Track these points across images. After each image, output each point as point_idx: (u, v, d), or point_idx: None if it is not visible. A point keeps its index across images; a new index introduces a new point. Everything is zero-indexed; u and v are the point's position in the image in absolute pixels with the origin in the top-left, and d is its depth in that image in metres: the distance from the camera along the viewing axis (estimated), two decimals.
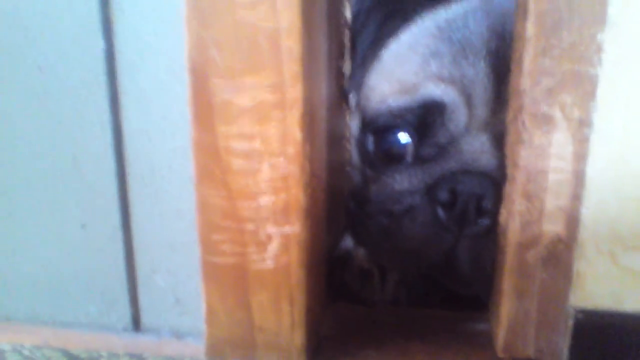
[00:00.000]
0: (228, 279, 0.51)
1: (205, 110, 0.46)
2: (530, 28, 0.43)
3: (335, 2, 0.56)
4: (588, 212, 0.45)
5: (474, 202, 0.57)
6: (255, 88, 0.45)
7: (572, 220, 0.46)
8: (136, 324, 0.59)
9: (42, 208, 0.56)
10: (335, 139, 0.61)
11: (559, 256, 0.47)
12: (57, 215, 0.56)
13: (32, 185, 0.55)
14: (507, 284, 0.49)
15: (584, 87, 0.43)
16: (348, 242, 0.68)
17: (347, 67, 0.62)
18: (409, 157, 0.63)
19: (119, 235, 0.56)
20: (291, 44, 0.43)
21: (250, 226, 0.49)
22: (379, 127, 0.64)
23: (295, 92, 0.44)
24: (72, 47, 0.50)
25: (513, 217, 0.47)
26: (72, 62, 0.51)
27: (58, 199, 0.55)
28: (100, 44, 0.50)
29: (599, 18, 0.42)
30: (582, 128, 0.44)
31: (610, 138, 0.44)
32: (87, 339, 0.59)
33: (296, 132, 0.46)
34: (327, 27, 0.51)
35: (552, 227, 0.46)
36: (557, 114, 0.44)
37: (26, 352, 0.58)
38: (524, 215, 0.47)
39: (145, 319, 0.58)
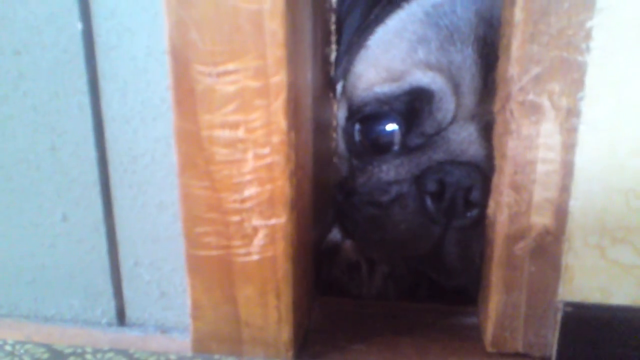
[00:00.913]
0: (213, 272, 0.50)
1: (187, 97, 0.45)
2: (518, 13, 0.42)
3: None
4: (576, 203, 0.45)
5: (462, 194, 0.56)
6: (238, 74, 0.44)
7: (561, 212, 0.45)
8: (121, 318, 0.58)
9: (21, 198, 0.54)
10: (321, 129, 0.60)
11: (547, 249, 0.46)
12: (37, 205, 0.54)
13: (10, 174, 0.54)
14: (495, 277, 0.48)
15: (572, 75, 0.42)
16: (336, 234, 0.68)
17: (332, 54, 0.61)
18: (396, 147, 0.62)
19: (101, 227, 0.55)
20: (275, 27, 0.42)
21: (235, 218, 0.48)
22: (365, 116, 0.63)
23: (279, 78, 0.43)
24: (49, 30, 0.49)
25: (501, 208, 0.46)
26: (48, 45, 0.49)
27: (37, 189, 0.54)
28: (77, 25, 0.48)
29: (588, 4, 0.41)
30: (570, 117, 0.43)
31: (599, 128, 0.43)
32: (71, 334, 0.58)
33: (281, 121, 0.45)
34: (312, 11, 0.50)
35: (541, 219, 0.45)
36: (546, 102, 0.43)
37: (8, 348, 0.57)
38: (512, 207, 0.46)
39: (130, 313, 0.57)
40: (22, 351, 0.56)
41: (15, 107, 0.51)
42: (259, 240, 0.48)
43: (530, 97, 0.43)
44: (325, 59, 0.60)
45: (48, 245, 0.56)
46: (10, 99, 0.51)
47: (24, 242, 0.56)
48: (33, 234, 0.56)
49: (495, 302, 0.49)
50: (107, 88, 0.50)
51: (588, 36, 0.42)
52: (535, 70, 0.43)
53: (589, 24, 0.41)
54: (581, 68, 0.42)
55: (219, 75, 0.44)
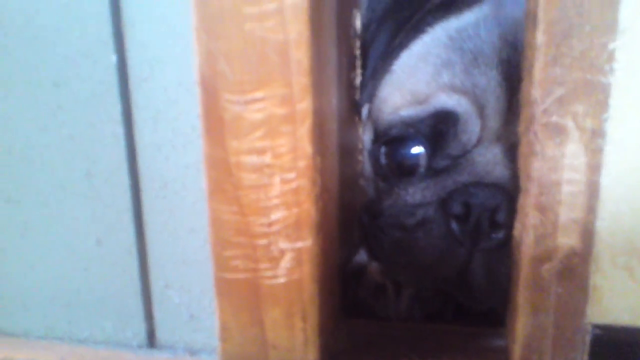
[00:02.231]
0: (241, 295, 0.50)
1: (216, 125, 0.46)
2: (540, 36, 0.42)
3: (345, 12, 0.57)
4: (603, 224, 0.44)
5: (487, 216, 0.56)
6: (265, 102, 0.45)
7: (587, 233, 0.45)
8: (151, 340, 0.59)
9: (56, 223, 0.56)
10: (347, 152, 0.61)
11: (575, 270, 0.46)
12: (72, 230, 0.56)
13: (47, 200, 0.56)
14: (522, 298, 0.48)
15: (596, 96, 0.43)
16: (362, 256, 0.68)
17: (357, 79, 0.62)
18: (421, 169, 0.63)
19: (133, 251, 0.56)
20: (300, 56, 0.43)
21: (262, 242, 0.49)
22: (391, 139, 0.64)
23: (305, 105, 0.45)
24: (85, 62, 0.51)
25: (527, 230, 0.46)
26: (85, 77, 0.52)
27: (72, 214, 0.56)
28: (112, 58, 0.51)
29: (610, 26, 0.41)
30: (595, 138, 0.43)
31: (624, 148, 0.43)
32: (103, 356, 0.59)
33: (307, 146, 0.46)
34: (336, 38, 0.52)
35: (567, 240, 0.45)
36: (570, 124, 0.43)
37: None
38: (538, 229, 0.46)
39: (160, 335, 0.59)
40: None
41: (53, 136, 0.54)
42: (285, 262, 0.49)
43: (554, 118, 0.44)
44: (350, 83, 0.61)
45: (82, 269, 0.58)
46: (48, 129, 0.54)
47: (59, 266, 0.58)
48: (68, 258, 0.57)
49: (522, 324, 0.48)
50: (139, 117, 0.52)
51: (611, 58, 0.42)
52: (558, 92, 0.43)
53: (611, 46, 0.42)
54: (605, 89, 0.43)
55: (246, 103, 0.45)
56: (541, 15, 0.42)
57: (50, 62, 0.52)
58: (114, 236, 0.56)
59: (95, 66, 0.52)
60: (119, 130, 0.53)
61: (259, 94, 0.45)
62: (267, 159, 0.46)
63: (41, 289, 0.59)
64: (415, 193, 0.62)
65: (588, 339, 0.47)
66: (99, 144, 0.54)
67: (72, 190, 0.55)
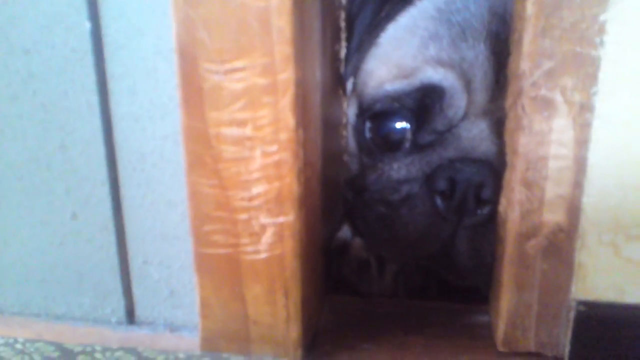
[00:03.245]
0: (221, 271, 0.49)
1: (194, 95, 0.45)
2: (529, 7, 0.41)
3: None
4: (589, 200, 0.44)
5: (473, 191, 0.56)
6: (246, 71, 0.43)
7: (573, 209, 0.44)
8: (130, 316, 0.58)
9: (30, 197, 0.55)
10: (331, 126, 0.60)
11: (560, 246, 0.45)
12: (46, 204, 0.55)
13: (20, 173, 0.54)
14: (507, 275, 0.47)
15: (586, 69, 0.42)
16: (345, 231, 0.67)
17: (342, 51, 0.60)
18: (406, 144, 0.62)
19: (110, 225, 0.55)
20: (282, 24, 0.42)
21: (243, 216, 0.47)
22: (376, 113, 0.63)
23: (287, 75, 0.43)
24: (58, 29, 0.49)
25: (512, 206, 0.46)
26: (57, 44, 0.50)
27: (46, 187, 0.54)
28: (86, 24, 0.49)
29: None
30: (583, 113, 0.42)
31: (613, 123, 0.42)
32: (81, 332, 0.58)
33: (289, 118, 0.44)
34: (320, 8, 0.50)
35: (553, 216, 0.45)
36: (558, 97, 0.42)
37: (19, 346, 0.57)
38: (523, 204, 0.45)
39: (140, 311, 0.57)
40: (32, 349, 0.56)
41: (25, 106, 0.52)
42: (267, 238, 0.48)
43: (543, 92, 0.43)
44: (334, 56, 0.60)
45: (58, 244, 0.56)
46: (20, 98, 0.52)
47: (34, 241, 0.56)
48: (43, 232, 0.56)
49: (506, 300, 0.48)
50: (115, 87, 0.50)
51: (602, 30, 0.41)
52: (547, 64, 0.42)
53: (602, 18, 0.41)
54: (595, 62, 0.42)
55: (226, 72, 0.43)
56: None
57: (21, 28, 0.50)
58: (90, 210, 0.54)
59: (69, 33, 0.49)
60: (94, 100, 0.51)
61: (239, 63, 0.43)
62: (248, 131, 0.45)
63: (15, 265, 0.57)
64: (400, 169, 0.61)
65: (572, 315, 0.47)
66: (74, 114, 0.52)
67: (46, 163, 0.53)
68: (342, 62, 0.63)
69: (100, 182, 0.53)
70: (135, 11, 0.48)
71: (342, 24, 0.62)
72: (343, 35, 0.62)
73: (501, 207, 0.49)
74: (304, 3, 0.44)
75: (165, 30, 0.48)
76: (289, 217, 0.47)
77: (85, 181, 0.53)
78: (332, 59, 0.59)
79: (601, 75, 0.42)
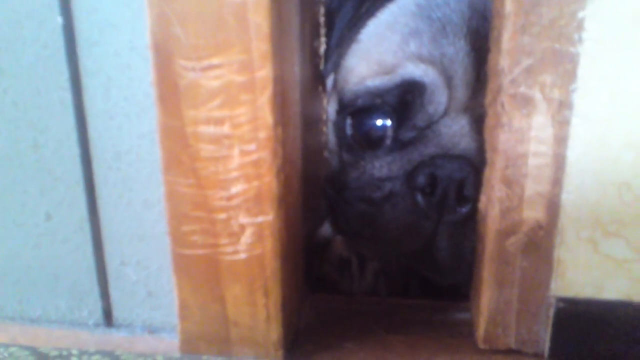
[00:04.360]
0: (200, 271, 0.49)
1: (170, 92, 0.44)
2: (508, 4, 0.41)
3: None
4: (569, 197, 0.44)
5: (454, 188, 0.55)
6: (223, 68, 0.42)
7: (553, 206, 0.44)
8: (108, 318, 0.57)
9: (3, 198, 0.53)
10: (310, 123, 0.59)
11: (540, 243, 0.45)
12: (20, 204, 0.53)
13: None
14: (487, 272, 0.47)
15: (565, 66, 0.42)
16: (326, 229, 0.67)
17: (322, 47, 0.60)
18: (387, 141, 0.61)
19: (86, 226, 0.54)
20: (259, 20, 0.41)
21: (221, 216, 0.47)
22: (357, 110, 0.62)
23: (265, 72, 0.42)
24: (29, 24, 0.48)
25: (492, 203, 0.45)
26: (29, 40, 0.48)
27: (19, 187, 0.53)
28: (58, 20, 0.47)
29: None
30: (562, 110, 0.42)
31: (592, 120, 0.42)
32: (57, 335, 0.57)
33: (267, 116, 0.43)
34: (299, 4, 0.49)
35: (532, 213, 0.45)
36: (537, 95, 0.42)
37: None
38: (503, 202, 0.45)
39: (117, 313, 0.56)
40: (6, 354, 0.54)
41: None
42: (246, 238, 0.47)
43: (522, 89, 0.42)
44: (314, 52, 0.59)
45: (32, 245, 0.55)
46: None
47: (7, 243, 0.55)
48: (16, 233, 0.54)
49: (487, 298, 0.48)
50: (89, 84, 0.49)
51: (580, 27, 0.41)
52: (526, 62, 0.42)
53: (581, 14, 0.40)
54: (573, 59, 0.42)
55: (203, 69, 0.43)
56: None
57: None
58: (65, 210, 0.53)
59: (40, 29, 0.48)
60: (67, 97, 0.49)
61: (215, 60, 0.42)
62: (226, 129, 0.44)
63: None
64: (382, 166, 0.61)
65: (552, 311, 0.47)
66: (46, 112, 0.50)
67: (19, 162, 0.52)
68: (322, 59, 0.62)
69: (74, 182, 0.52)
70: (108, 6, 0.47)
71: (322, 20, 0.61)
72: (322, 31, 0.61)
73: (481, 205, 0.49)
74: None
75: (139, 26, 0.47)
76: (268, 217, 0.46)
77: (60, 181, 0.52)
78: (312, 55, 0.58)
79: (580, 72, 0.42)
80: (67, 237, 0.54)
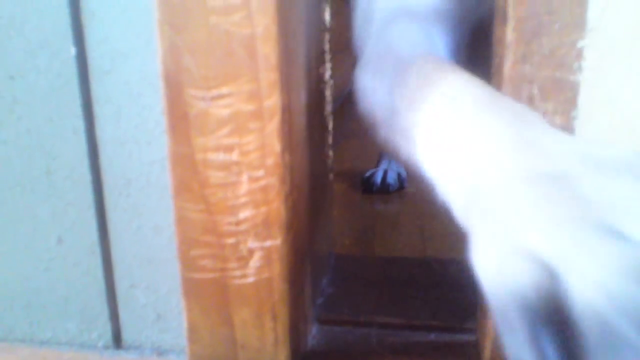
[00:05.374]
0: (209, 295, 0.49)
1: (180, 121, 0.45)
2: (510, 33, 0.42)
3: (314, 6, 0.56)
4: None
5: None
6: (232, 97, 0.44)
7: None
8: (117, 341, 0.57)
9: (15, 222, 0.54)
10: (316, 148, 0.60)
11: None
12: (32, 229, 0.54)
13: (5, 198, 0.54)
14: None
15: (565, 94, 0.43)
16: None
17: (327, 73, 0.61)
18: None
19: (96, 249, 0.55)
20: (267, 50, 0.42)
21: (230, 241, 0.48)
22: None
23: (272, 101, 0.43)
24: (43, 54, 0.49)
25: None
26: (43, 69, 0.50)
27: (32, 212, 0.54)
28: (71, 50, 0.49)
29: (579, 24, 0.41)
30: None
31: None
32: (67, 358, 0.57)
33: (275, 143, 0.45)
34: (305, 32, 0.50)
35: None
36: None
37: None
38: None
39: (127, 336, 0.57)
40: None
41: (10, 131, 0.52)
42: (254, 262, 0.48)
43: None
44: (319, 78, 0.60)
45: (43, 269, 0.56)
46: (4, 123, 0.51)
47: (19, 266, 0.56)
48: (28, 257, 0.55)
49: (493, 319, 0.49)
50: (101, 112, 0.50)
51: (579, 56, 0.42)
52: (528, 89, 0.43)
53: (580, 44, 0.42)
54: (574, 87, 0.43)
55: (212, 99, 0.44)
56: (511, 12, 0.42)
57: (6, 54, 0.50)
58: (76, 234, 0.54)
59: (54, 58, 0.49)
60: (80, 125, 0.51)
61: (225, 90, 0.43)
62: (235, 156, 0.45)
63: (0, 290, 0.57)
64: None
65: None
66: (59, 140, 0.52)
67: (32, 188, 0.53)
68: (327, 84, 0.63)
69: (86, 207, 0.53)
70: (120, 36, 0.48)
71: (327, 46, 0.62)
72: (328, 57, 0.63)
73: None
74: (289, 29, 0.45)
75: (150, 56, 0.48)
76: (276, 241, 0.47)
77: (71, 206, 0.53)
78: (317, 81, 0.59)
79: (580, 100, 0.43)
80: (78, 260, 0.55)
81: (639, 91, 0.42)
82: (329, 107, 0.65)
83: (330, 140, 0.67)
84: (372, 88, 0.52)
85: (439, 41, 0.56)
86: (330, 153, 0.67)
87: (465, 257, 0.56)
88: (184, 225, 0.48)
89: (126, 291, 0.55)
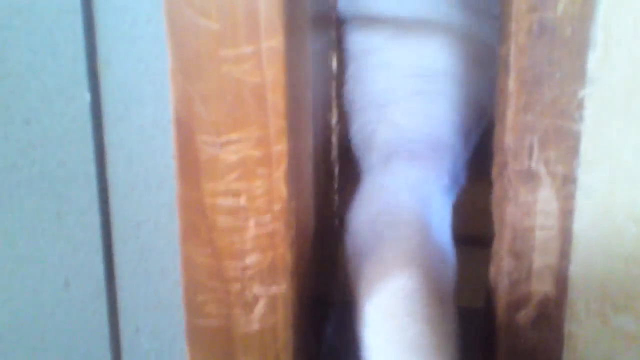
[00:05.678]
0: (213, 342, 0.49)
1: (191, 166, 0.46)
2: (511, 83, 0.43)
3: (321, 54, 0.57)
4: (576, 270, 0.45)
5: None
6: (241, 143, 0.45)
7: (561, 279, 0.45)
8: None
9: (23, 265, 0.55)
10: (322, 193, 0.61)
11: (550, 317, 0.46)
12: (39, 272, 0.55)
13: (14, 241, 0.54)
14: (498, 345, 0.47)
15: (567, 142, 0.43)
16: None
17: (334, 119, 0.63)
18: None
19: (102, 293, 0.55)
20: (276, 98, 0.43)
21: (236, 286, 0.48)
22: None
23: (281, 147, 0.45)
24: (58, 100, 0.51)
25: (502, 275, 0.46)
26: (57, 114, 0.51)
27: (40, 255, 0.54)
28: (86, 96, 0.50)
29: (579, 74, 0.42)
30: (566, 184, 0.44)
31: (595, 194, 0.44)
32: None
33: (282, 189, 0.45)
34: (313, 80, 0.52)
35: (542, 286, 0.45)
36: (542, 170, 0.44)
37: None
38: (512, 274, 0.46)
39: None
40: None
41: (23, 175, 0.53)
42: (259, 309, 0.48)
43: (527, 164, 0.44)
44: (326, 124, 0.62)
45: (48, 313, 0.56)
46: (18, 167, 0.53)
47: (25, 310, 0.56)
48: (34, 301, 0.55)
49: None
50: (113, 156, 0.51)
51: (581, 105, 0.43)
52: (530, 138, 0.44)
53: (581, 94, 0.43)
54: (575, 136, 0.43)
55: (222, 144, 0.45)
56: (512, 62, 0.43)
57: (22, 99, 0.51)
58: (83, 278, 0.54)
59: (69, 104, 0.51)
60: (91, 168, 0.52)
61: (234, 136, 0.45)
62: (242, 201, 0.46)
63: (4, 334, 0.57)
64: None
65: None
66: (70, 183, 0.52)
67: (41, 231, 0.54)
68: (334, 130, 0.65)
69: (94, 250, 0.54)
70: (134, 84, 0.50)
71: (333, 93, 0.64)
72: (334, 103, 0.64)
73: (490, 276, 0.49)
74: (297, 77, 0.46)
75: (163, 102, 0.49)
76: (281, 287, 0.47)
77: (79, 249, 0.54)
78: (324, 128, 0.61)
79: (582, 148, 0.44)
80: (84, 304, 0.55)
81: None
82: (334, 153, 0.66)
83: (336, 185, 0.67)
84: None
85: (434, 195, 0.58)
86: (336, 198, 0.67)
87: (472, 305, 0.56)
88: (190, 270, 0.48)
89: (130, 336, 0.55)
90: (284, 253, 0.46)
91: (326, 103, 0.62)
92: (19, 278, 0.55)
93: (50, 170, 0.53)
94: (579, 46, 0.41)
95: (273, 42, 0.41)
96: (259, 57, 0.42)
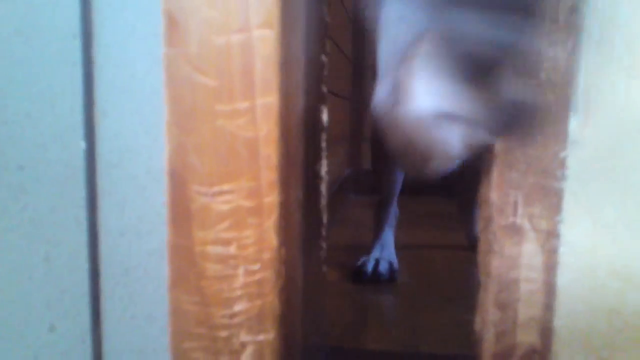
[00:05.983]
0: None
1: (182, 214, 0.46)
2: (497, 143, 0.45)
3: (312, 110, 0.59)
4: (561, 322, 0.46)
5: None
6: (233, 194, 0.46)
7: (546, 331, 0.46)
8: None
9: (9, 308, 0.54)
10: (310, 240, 0.62)
11: None
12: (25, 315, 0.54)
13: (1, 284, 0.54)
14: None
15: (550, 199, 0.45)
16: None
17: (323, 169, 0.64)
18: None
19: (87, 338, 0.54)
20: (269, 152, 0.45)
21: (223, 334, 0.48)
22: None
23: (271, 198, 0.46)
24: (54, 147, 0.51)
25: (487, 326, 0.47)
26: (52, 161, 0.52)
27: (27, 298, 0.54)
28: (81, 144, 0.51)
29: (561, 137, 0.44)
30: (550, 239, 0.45)
31: (578, 249, 0.45)
32: None
33: (272, 238, 0.46)
34: (304, 134, 0.53)
35: (527, 337, 0.46)
36: (526, 225, 0.45)
37: None
38: (498, 325, 0.47)
39: None
40: None
41: (13, 219, 0.53)
42: (246, 356, 0.48)
43: (511, 219, 0.46)
44: (315, 174, 0.63)
45: (32, 357, 0.55)
46: (9, 211, 0.53)
47: (8, 353, 0.55)
48: (18, 346, 0.55)
49: None
50: (105, 203, 0.52)
51: (562, 165, 0.45)
52: (514, 195, 0.45)
53: (562, 154, 0.44)
54: (558, 193, 0.45)
55: (214, 194, 0.46)
56: None
57: (18, 145, 0.52)
58: (69, 322, 0.54)
59: (64, 151, 0.52)
60: (82, 214, 0.52)
61: (227, 187, 0.45)
62: (232, 249, 0.47)
63: None
64: None
65: None
66: (60, 228, 0.53)
67: (29, 275, 0.54)
68: (323, 180, 0.66)
69: (81, 295, 0.53)
70: (129, 133, 0.51)
71: (323, 145, 0.65)
72: (324, 154, 0.66)
73: (476, 327, 0.50)
74: (290, 131, 0.48)
75: (157, 152, 0.50)
76: (269, 335, 0.47)
77: (66, 293, 0.54)
78: (314, 177, 0.62)
79: (565, 205, 0.45)
80: (68, 349, 0.54)
81: (619, 200, 0.45)
82: (323, 201, 0.67)
83: (324, 232, 0.68)
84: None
85: None
86: (324, 245, 0.68)
87: (460, 352, 0.56)
88: (178, 317, 0.48)
89: None
90: (272, 301, 0.47)
91: (316, 153, 0.63)
92: (4, 321, 0.55)
93: (40, 214, 0.53)
94: (561, 110, 0.43)
95: (268, 99, 0.43)
96: (254, 112, 0.44)
